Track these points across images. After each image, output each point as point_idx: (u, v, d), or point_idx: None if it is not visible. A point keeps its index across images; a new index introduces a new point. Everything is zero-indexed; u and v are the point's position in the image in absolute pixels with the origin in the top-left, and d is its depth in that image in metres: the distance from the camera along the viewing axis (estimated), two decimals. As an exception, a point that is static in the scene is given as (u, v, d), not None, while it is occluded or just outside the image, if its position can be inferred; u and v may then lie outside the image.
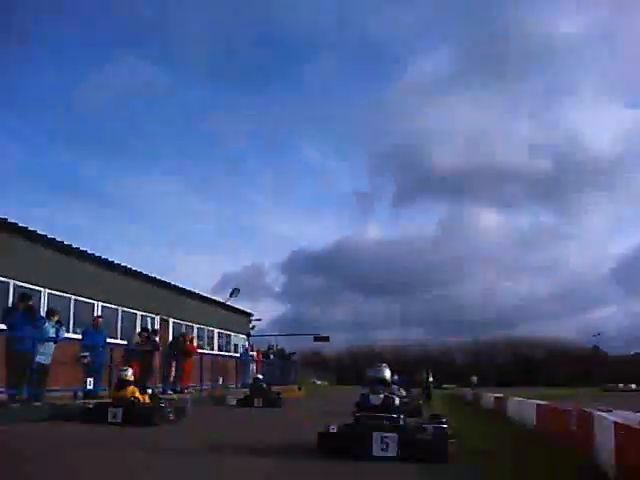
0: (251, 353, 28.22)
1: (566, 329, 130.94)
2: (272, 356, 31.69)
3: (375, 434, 7.51)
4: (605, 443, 6.52)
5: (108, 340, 16.10)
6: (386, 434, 7.50)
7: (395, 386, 11.37)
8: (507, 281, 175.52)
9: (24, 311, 12.36)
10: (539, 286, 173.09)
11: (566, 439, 8.69)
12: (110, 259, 19.97)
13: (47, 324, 12.83)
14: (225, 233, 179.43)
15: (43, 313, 13.70)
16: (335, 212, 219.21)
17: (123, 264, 20.73)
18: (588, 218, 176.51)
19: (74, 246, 17.96)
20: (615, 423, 6.28)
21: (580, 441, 7.90)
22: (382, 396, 8.29)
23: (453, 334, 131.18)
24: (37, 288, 16.02)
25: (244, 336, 33.16)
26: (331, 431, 7.80)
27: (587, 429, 7.65)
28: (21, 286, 15.19)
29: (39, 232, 16.39)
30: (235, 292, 31.86)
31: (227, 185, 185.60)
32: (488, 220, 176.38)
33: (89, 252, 18.81)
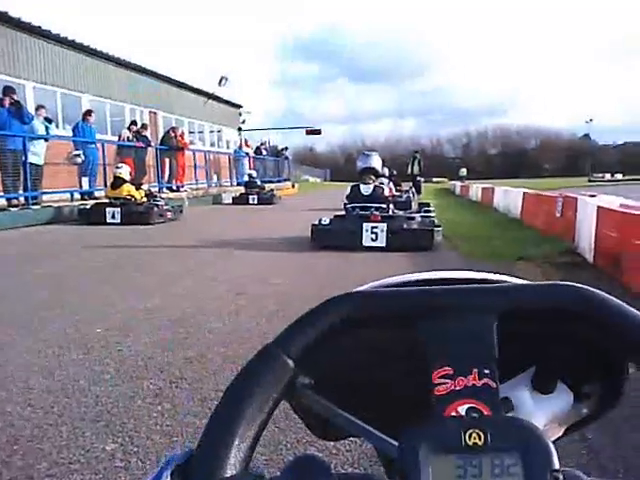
0: (245, 150, 28.04)
1: (559, 118, 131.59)
2: (265, 152, 31.49)
3: (365, 224, 7.76)
4: (586, 227, 6.72)
5: (99, 137, 15.87)
6: (375, 224, 7.74)
7: (385, 179, 11.48)
8: (504, 64, 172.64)
9: (10, 107, 11.86)
10: (537, 68, 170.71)
11: (550, 226, 8.95)
12: (93, 46, 18.64)
13: (35, 120, 12.53)
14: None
15: (30, 108, 13.18)
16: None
17: (106, 51, 19.44)
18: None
19: (53, 31, 16.59)
20: (598, 207, 6.39)
21: (564, 227, 8.12)
22: (372, 186, 8.40)
23: (445, 126, 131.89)
24: (20, 81, 15.16)
25: (235, 131, 32.71)
26: (323, 223, 8.05)
27: (571, 215, 7.80)
28: (2, 79, 14.24)
29: (17, 17, 15.06)
30: (223, 80, 30.35)
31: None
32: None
33: (70, 39, 17.47)
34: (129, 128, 17.30)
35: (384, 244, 7.67)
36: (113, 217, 11.42)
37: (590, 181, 55.87)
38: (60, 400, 2.69)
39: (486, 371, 0.44)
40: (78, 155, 13.72)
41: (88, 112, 15.14)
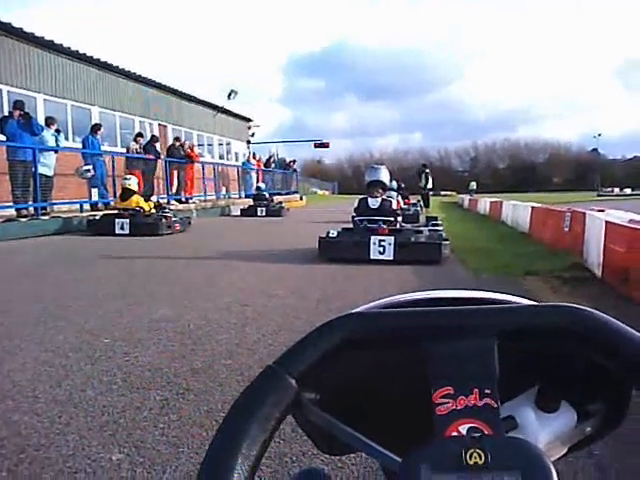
0: (252, 162, 28.18)
1: (567, 132, 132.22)
2: (273, 165, 31.61)
3: (373, 238, 7.75)
4: (595, 242, 6.69)
5: (109, 149, 15.96)
6: (383, 237, 7.74)
7: (394, 193, 11.50)
8: (510, 80, 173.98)
9: (20, 119, 12.02)
10: (542, 85, 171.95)
11: (559, 240, 8.92)
12: (103, 59, 18.92)
13: (46, 132, 12.67)
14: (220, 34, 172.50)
15: (40, 120, 13.32)
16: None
17: (116, 64, 19.67)
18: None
19: (64, 45, 16.88)
20: (606, 222, 6.36)
21: (572, 242, 8.08)
22: (380, 199, 8.40)
23: (453, 139, 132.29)
24: (31, 94, 15.39)
25: (244, 144, 32.86)
26: (331, 236, 8.05)
27: (579, 229, 7.77)
28: (14, 92, 14.58)
29: (31, 32, 15.33)
30: (233, 94, 30.56)
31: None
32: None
33: (80, 52, 17.75)
34: (136, 140, 17.41)
35: (392, 257, 7.66)
36: (122, 228, 11.48)
37: (599, 195, 55.61)
38: (67, 410, 2.70)
39: (487, 391, 0.44)
40: (88, 170, 13.82)
41: (97, 126, 15.27)
